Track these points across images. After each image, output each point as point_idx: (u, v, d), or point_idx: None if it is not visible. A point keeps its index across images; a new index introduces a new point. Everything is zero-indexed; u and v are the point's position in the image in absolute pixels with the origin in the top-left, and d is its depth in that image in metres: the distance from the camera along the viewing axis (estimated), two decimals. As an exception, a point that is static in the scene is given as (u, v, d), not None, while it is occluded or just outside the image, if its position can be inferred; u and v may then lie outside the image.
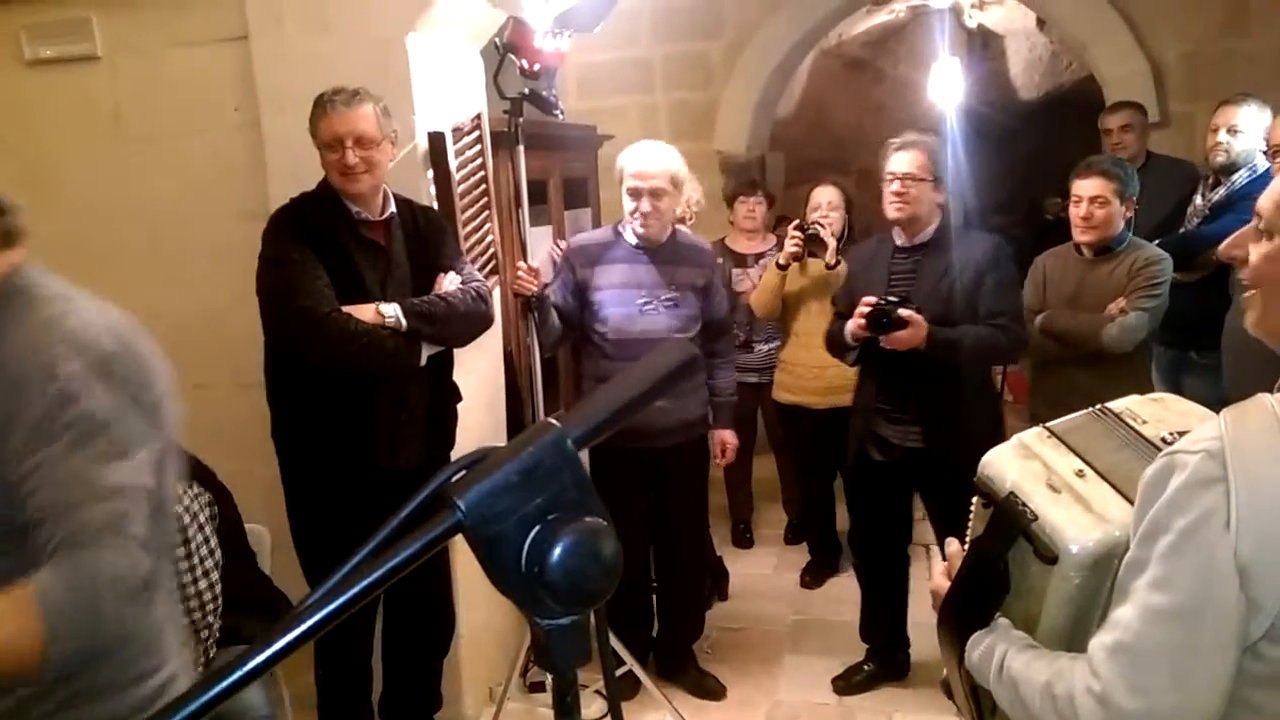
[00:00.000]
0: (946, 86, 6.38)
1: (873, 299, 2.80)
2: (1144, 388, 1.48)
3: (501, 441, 1.39)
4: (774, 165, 6.03)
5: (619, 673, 2.77)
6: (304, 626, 0.54)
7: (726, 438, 3.33)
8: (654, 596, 3.36)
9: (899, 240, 2.98)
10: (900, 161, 2.89)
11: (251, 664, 0.52)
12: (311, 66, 2.76)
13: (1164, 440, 1.22)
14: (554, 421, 0.64)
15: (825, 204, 3.87)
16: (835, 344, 3.05)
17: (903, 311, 2.75)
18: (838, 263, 3.66)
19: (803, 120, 6.71)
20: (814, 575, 4.12)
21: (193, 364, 2.72)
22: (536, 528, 0.61)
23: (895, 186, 2.88)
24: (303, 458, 2.55)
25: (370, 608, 2.66)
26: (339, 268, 2.42)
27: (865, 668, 3.27)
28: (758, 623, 3.78)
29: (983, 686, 1.27)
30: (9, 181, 3.09)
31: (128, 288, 2.98)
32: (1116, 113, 4.13)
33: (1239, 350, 2.61)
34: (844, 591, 3.90)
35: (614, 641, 2.79)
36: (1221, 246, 1.20)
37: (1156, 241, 3.16)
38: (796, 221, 3.81)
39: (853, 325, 2.85)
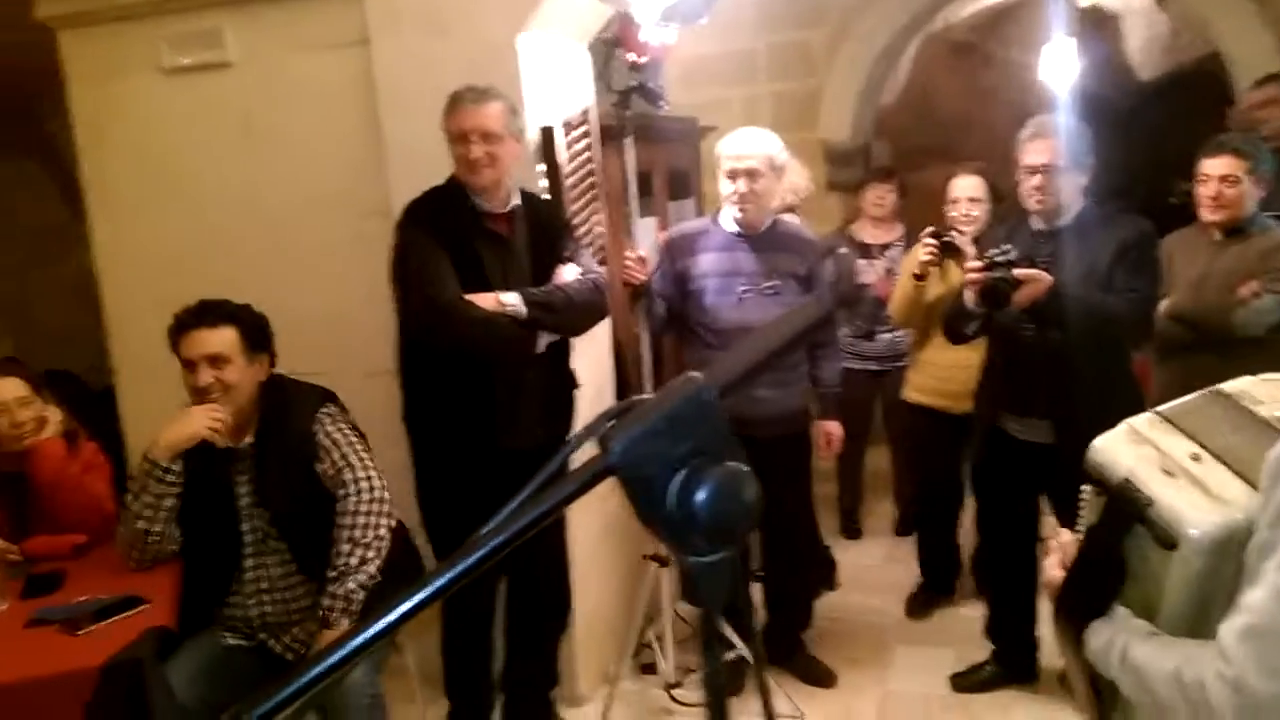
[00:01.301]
0: (1059, 69, 6.17)
1: (979, 270, 2.67)
2: (1280, 374, 1.42)
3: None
4: (879, 153, 5.95)
5: (729, 657, 2.79)
6: (481, 552, 0.59)
7: (832, 429, 3.28)
8: (759, 585, 3.37)
9: (1037, 225, 2.83)
10: (1037, 153, 2.74)
11: (440, 581, 0.57)
12: (428, 68, 2.87)
13: None
14: (696, 375, 0.68)
15: (965, 198, 3.50)
16: (956, 316, 2.90)
17: (1017, 272, 2.63)
18: None
19: (908, 107, 6.58)
20: (923, 605, 3.77)
21: (322, 354, 2.86)
22: (683, 470, 0.65)
23: (1035, 181, 2.75)
24: (431, 438, 2.66)
25: (492, 585, 2.75)
26: (464, 257, 2.52)
27: (987, 667, 3.17)
28: (867, 614, 3.75)
29: (1102, 676, 1.26)
30: (151, 181, 3.32)
31: (259, 283, 3.16)
32: (1260, 88, 3.83)
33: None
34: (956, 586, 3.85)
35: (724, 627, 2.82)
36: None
37: None
38: (931, 229, 3.47)
39: (969, 297, 2.73)
